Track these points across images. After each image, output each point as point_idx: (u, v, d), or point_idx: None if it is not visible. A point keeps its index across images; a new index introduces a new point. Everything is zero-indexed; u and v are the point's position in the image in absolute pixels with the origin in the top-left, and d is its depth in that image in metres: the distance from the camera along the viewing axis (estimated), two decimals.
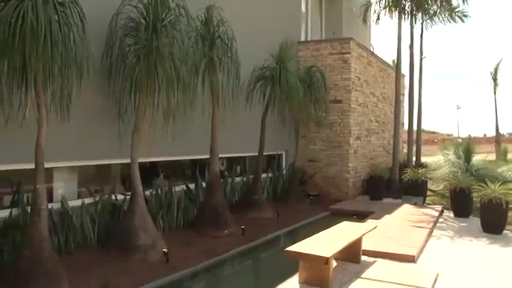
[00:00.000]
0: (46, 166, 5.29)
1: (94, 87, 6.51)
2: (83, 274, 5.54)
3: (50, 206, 6.06)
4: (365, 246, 6.87)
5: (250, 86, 10.16)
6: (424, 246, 7.66)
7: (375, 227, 7.11)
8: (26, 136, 5.27)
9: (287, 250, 5.52)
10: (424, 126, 47.78)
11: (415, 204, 11.72)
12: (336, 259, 6.48)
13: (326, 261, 5.16)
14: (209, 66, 8.14)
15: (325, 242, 5.82)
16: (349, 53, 12.89)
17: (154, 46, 6.40)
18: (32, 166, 5.15)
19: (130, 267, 5.99)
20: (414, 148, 16.73)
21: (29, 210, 5.41)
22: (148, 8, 6.66)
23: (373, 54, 15.63)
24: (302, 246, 5.60)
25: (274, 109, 10.45)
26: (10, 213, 5.72)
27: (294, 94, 10.11)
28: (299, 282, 5.59)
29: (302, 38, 14.92)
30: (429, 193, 13.43)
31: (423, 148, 21.50)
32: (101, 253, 6.34)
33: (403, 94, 18.72)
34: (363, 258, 6.71)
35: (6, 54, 4.76)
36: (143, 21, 6.64)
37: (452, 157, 13.98)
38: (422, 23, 17.55)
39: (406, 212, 10.71)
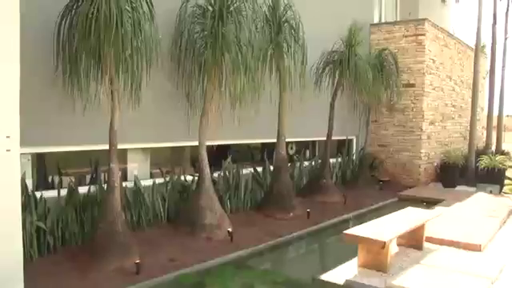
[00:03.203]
0: (119, 147, 5.70)
1: (164, 73, 6.88)
2: (153, 248, 5.97)
3: (124, 184, 6.57)
4: (430, 233, 6.74)
5: (319, 71, 10.17)
6: (494, 236, 7.37)
7: (439, 214, 6.95)
8: (101, 120, 5.69)
9: (346, 233, 5.56)
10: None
11: (490, 192, 11.24)
12: (398, 245, 6.45)
13: (384, 245, 5.16)
14: (275, 51, 8.25)
15: (384, 227, 5.79)
16: (423, 34, 12.47)
17: (221, 32, 6.61)
18: (107, 147, 5.58)
19: (196, 244, 6.34)
20: (495, 134, 15.94)
21: (105, 188, 5.88)
22: None
23: (451, 35, 14.94)
24: (360, 230, 5.61)
25: (343, 93, 10.41)
26: (89, 189, 6.22)
27: (362, 78, 10.01)
28: (358, 266, 5.63)
29: (376, 20, 14.57)
30: (508, 182, 12.80)
31: (510, 135, 20.44)
32: (169, 230, 6.78)
33: (484, 78, 17.81)
34: (427, 244, 6.59)
35: (83, 44, 5.18)
36: (210, 7, 6.85)
37: None
38: None
39: (479, 200, 10.30)
